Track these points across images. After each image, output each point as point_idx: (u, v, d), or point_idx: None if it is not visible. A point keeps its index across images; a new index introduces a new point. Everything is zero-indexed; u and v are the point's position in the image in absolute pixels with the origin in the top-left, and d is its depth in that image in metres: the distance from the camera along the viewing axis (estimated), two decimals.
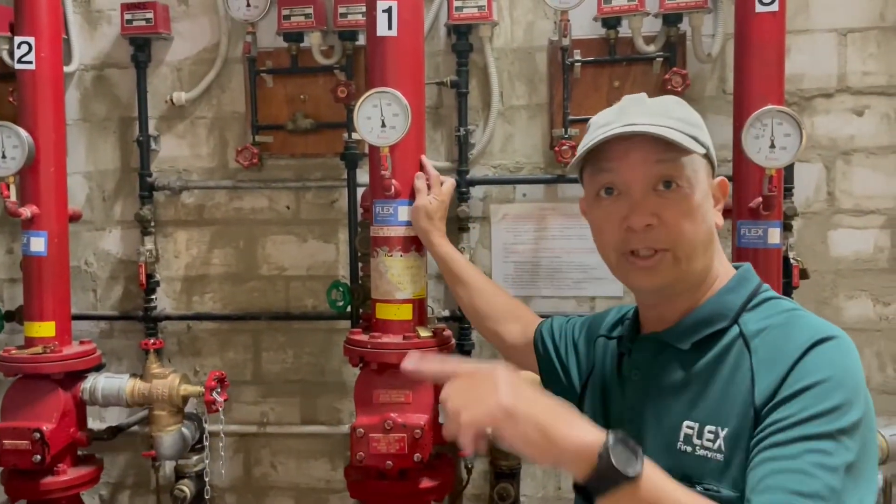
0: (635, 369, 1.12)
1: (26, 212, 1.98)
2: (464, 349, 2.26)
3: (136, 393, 2.03)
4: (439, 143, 2.30)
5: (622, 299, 2.20)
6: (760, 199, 1.79)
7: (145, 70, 2.38)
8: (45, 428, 1.92)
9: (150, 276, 2.38)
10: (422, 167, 1.80)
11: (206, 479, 2.21)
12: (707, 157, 1.07)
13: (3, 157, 1.95)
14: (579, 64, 2.16)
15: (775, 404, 0.91)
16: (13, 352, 2.00)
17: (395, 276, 1.78)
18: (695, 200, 1.03)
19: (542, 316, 1.53)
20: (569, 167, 1.13)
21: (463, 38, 2.21)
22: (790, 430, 0.88)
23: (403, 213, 1.77)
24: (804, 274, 2.05)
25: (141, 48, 2.36)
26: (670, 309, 1.08)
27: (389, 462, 1.71)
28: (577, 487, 0.84)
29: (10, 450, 1.91)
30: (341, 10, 2.19)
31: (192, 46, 2.40)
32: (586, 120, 2.21)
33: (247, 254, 2.43)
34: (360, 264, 2.15)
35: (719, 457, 0.96)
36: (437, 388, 1.81)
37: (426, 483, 1.81)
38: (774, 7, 1.82)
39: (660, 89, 2.13)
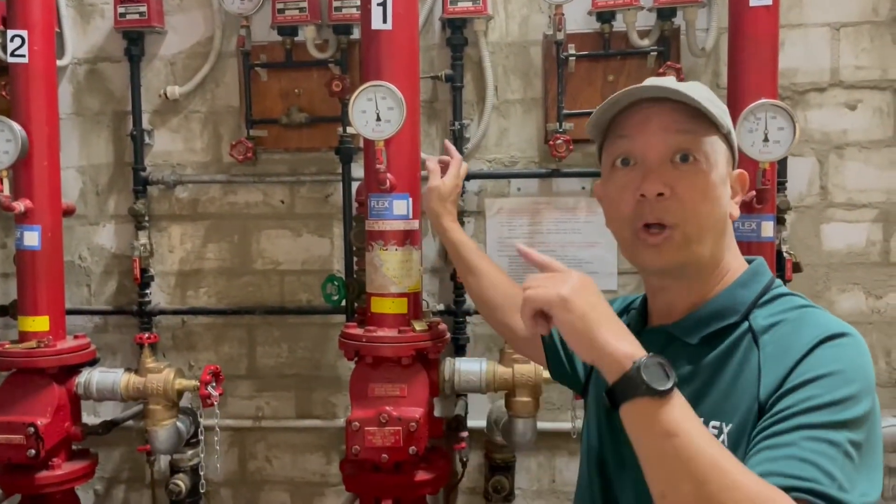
0: None
1: (20, 206, 1.98)
2: (458, 343, 2.27)
3: (131, 387, 2.02)
4: (434, 138, 2.30)
5: (616, 293, 2.21)
6: (754, 192, 1.80)
7: (139, 64, 2.37)
8: (39, 422, 1.92)
9: (144, 271, 2.37)
10: (446, 149, 1.79)
11: (202, 474, 2.21)
12: (728, 142, 1.05)
13: None
14: (574, 58, 2.16)
15: (780, 395, 0.90)
16: (7, 346, 2.00)
17: (390, 270, 1.78)
18: (711, 179, 1.00)
19: None
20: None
21: (458, 32, 2.21)
22: (792, 419, 0.86)
23: (398, 206, 1.77)
24: (797, 267, 2.06)
25: (134, 42, 2.35)
26: (679, 297, 1.06)
27: (385, 455, 1.72)
28: (607, 393, 0.87)
29: (4, 444, 1.91)
30: (336, 3, 2.19)
31: (185, 40, 2.39)
32: (581, 114, 2.24)
33: (241, 248, 2.43)
34: (354, 258, 2.15)
35: None
36: (432, 383, 1.82)
37: (421, 476, 1.82)
38: (768, 1, 1.83)
39: None
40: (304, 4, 2.19)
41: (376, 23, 1.74)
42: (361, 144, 1.83)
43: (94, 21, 2.42)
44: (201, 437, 2.15)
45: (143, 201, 2.37)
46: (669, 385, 0.83)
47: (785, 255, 2.02)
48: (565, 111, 2.16)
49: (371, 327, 1.79)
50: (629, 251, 1.06)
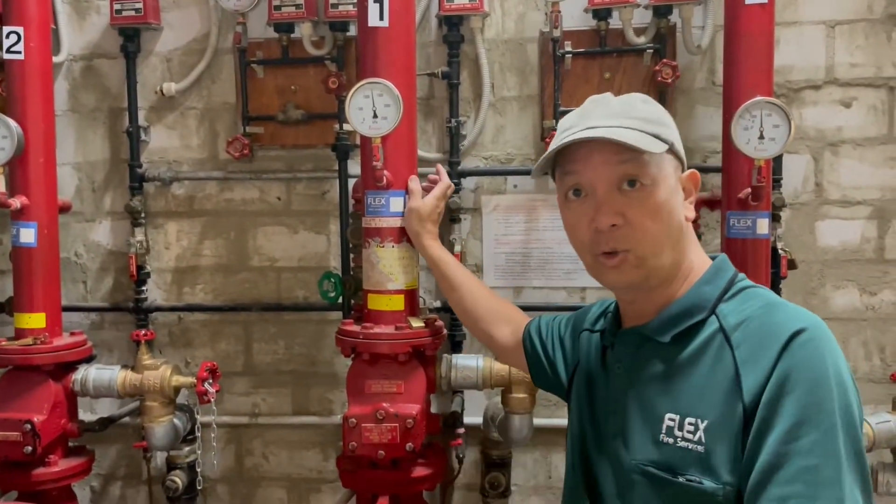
0: (618, 362, 1.14)
1: (16, 203, 1.97)
2: (455, 339, 2.27)
3: (128, 384, 2.03)
4: (431, 135, 2.31)
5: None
6: (749, 189, 1.80)
7: (135, 60, 2.37)
8: (36, 419, 1.92)
9: (140, 268, 2.37)
10: (437, 171, 1.82)
11: (198, 470, 2.21)
12: (673, 151, 1.08)
13: None
14: (570, 55, 2.17)
15: (761, 428, 0.93)
16: (3, 343, 1.99)
17: (387, 266, 1.78)
18: (659, 198, 1.04)
19: (533, 307, 1.55)
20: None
21: (454, 29, 2.21)
22: (784, 463, 0.90)
23: (395, 203, 1.77)
24: (792, 264, 2.07)
25: (130, 38, 2.34)
26: (647, 303, 1.10)
27: (381, 451, 1.72)
28: None
29: (1, 441, 1.91)
30: (332, 0, 2.19)
31: (181, 37, 2.39)
32: None
33: (238, 245, 2.43)
34: (351, 255, 2.15)
35: (700, 448, 0.98)
36: (429, 379, 1.83)
37: (418, 472, 1.83)
38: None
39: (650, 81, 2.14)
40: (301, 1, 2.19)
41: (373, 20, 1.74)
42: (358, 141, 1.83)
43: (90, 17, 2.42)
44: (198, 434, 2.16)
45: (139, 198, 2.37)
46: None
47: (780, 252, 2.03)
48: (562, 108, 2.17)
49: (368, 324, 1.79)
50: (593, 272, 1.11)
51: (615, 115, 1.07)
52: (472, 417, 2.23)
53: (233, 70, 2.35)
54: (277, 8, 2.21)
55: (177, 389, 2.04)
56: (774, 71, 1.89)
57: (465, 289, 1.63)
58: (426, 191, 1.77)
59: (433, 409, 1.92)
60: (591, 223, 1.06)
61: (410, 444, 1.72)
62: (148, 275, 2.42)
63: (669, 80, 2.08)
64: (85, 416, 2.25)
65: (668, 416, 1.02)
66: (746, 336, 0.99)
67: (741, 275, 1.10)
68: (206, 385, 1.99)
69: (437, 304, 2.29)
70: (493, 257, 2.30)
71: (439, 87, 2.29)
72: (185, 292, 2.45)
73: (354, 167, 2.15)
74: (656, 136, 1.05)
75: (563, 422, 2.21)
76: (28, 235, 2.01)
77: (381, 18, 1.74)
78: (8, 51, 1.99)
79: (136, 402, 2.20)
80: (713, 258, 1.12)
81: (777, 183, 2.09)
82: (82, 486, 2.46)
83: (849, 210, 2.20)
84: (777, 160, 2.06)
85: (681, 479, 0.98)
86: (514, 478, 2.31)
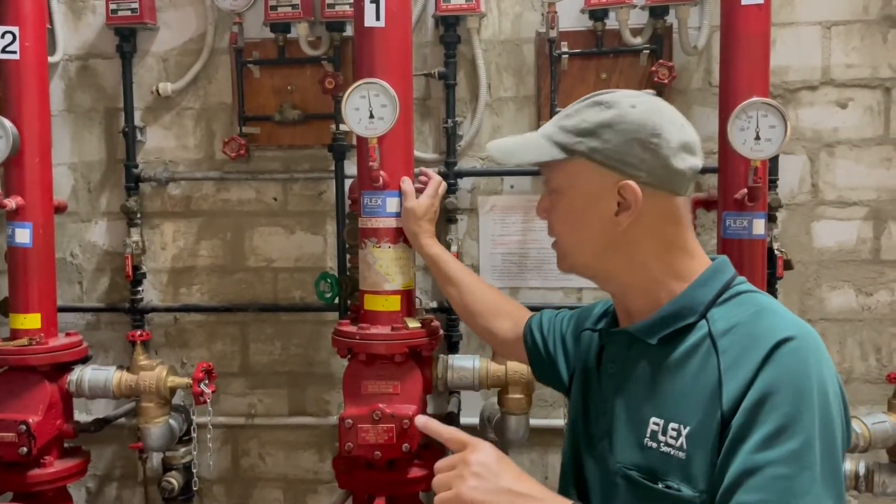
0: (610, 362, 1.14)
1: (11, 203, 1.97)
2: (451, 340, 2.27)
3: (123, 385, 2.02)
4: (427, 135, 2.31)
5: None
6: (745, 190, 1.80)
7: (131, 60, 2.37)
8: (31, 420, 1.91)
9: (136, 268, 2.37)
10: (423, 173, 1.82)
11: (194, 471, 2.21)
12: (598, 161, 1.05)
13: None
14: (567, 56, 2.17)
15: (737, 422, 0.93)
16: None
17: (384, 267, 1.78)
18: (566, 205, 1.10)
19: (530, 307, 1.55)
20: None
21: (451, 29, 2.21)
22: (757, 470, 0.89)
23: (391, 204, 1.77)
24: (788, 265, 2.07)
25: (126, 38, 2.34)
26: (628, 304, 1.12)
27: (378, 452, 1.72)
28: None
29: None
30: (329, 0, 2.19)
31: (178, 37, 2.38)
32: None
33: (234, 245, 2.42)
34: (348, 256, 2.15)
35: (681, 454, 0.97)
36: (426, 380, 1.83)
37: (415, 473, 1.82)
38: (760, 0, 1.84)
39: (647, 81, 2.15)
40: (297, 1, 2.19)
41: (369, 20, 1.74)
42: (354, 142, 1.83)
43: (86, 17, 2.41)
44: (194, 435, 2.15)
45: (135, 198, 2.37)
46: None
47: (776, 252, 2.03)
48: (558, 109, 2.16)
49: (364, 325, 1.79)
50: None
51: (555, 118, 1.14)
52: (469, 418, 2.22)
53: (229, 70, 2.35)
54: (274, 8, 2.20)
55: (173, 390, 2.03)
56: (771, 71, 1.89)
57: (465, 285, 1.64)
58: (419, 191, 1.77)
59: (429, 410, 1.92)
60: None
61: (407, 444, 1.72)
62: (144, 275, 2.42)
63: (666, 81, 2.09)
64: (80, 416, 2.25)
65: (652, 419, 1.02)
66: (733, 342, 0.98)
67: (740, 278, 1.08)
68: (203, 386, 1.98)
69: (434, 304, 2.29)
70: (489, 258, 2.30)
71: (436, 88, 2.29)
72: (182, 293, 2.44)
73: (351, 167, 2.15)
74: (563, 146, 1.08)
75: (559, 423, 2.22)
76: (23, 236, 2.00)
77: (378, 19, 1.74)
78: (3, 51, 1.98)
79: (131, 403, 2.19)
80: (713, 259, 1.10)
81: (773, 183, 2.10)
82: (78, 487, 2.45)
83: (845, 211, 2.20)
84: (773, 161, 2.06)
85: (660, 486, 0.98)
86: None
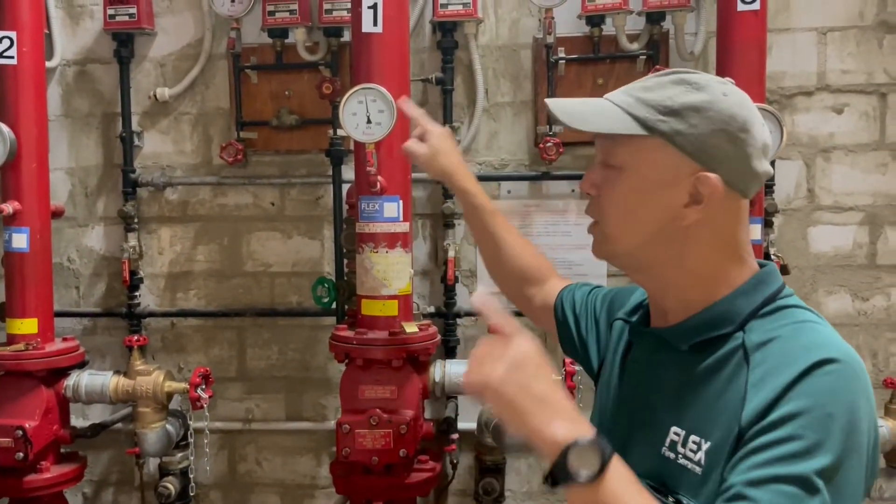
0: (634, 362, 1.08)
1: (8, 208, 1.97)
2: (449, 345, 2.27)
3: (120, 390, 2.02)
4: None
5: None
6: None
7: (128, 65, 2.37)
8: (27, 425, 1.91)
9: (133, 273, 2.37)
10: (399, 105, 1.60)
11: (191, 476, 2.20)
12: (676, 143, 0.96)
13: None
14: (564, 61, 2.18)
15: (755, 433, 0.86)
16: None
17: (381, 272, 1.78)
18: (626, 185, 0.98)
19: None
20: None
21: (448, 35, 2.21)
22: (762, 469, 0.84)
23: (389, 209, 1.77)
24: (785, 270, 2.08)
25: (124, 43, 2.34)
26: (664, 302, 1.03)
27: (375, 457, 1.72)
28: (548, 475, 0.85)
29: None
30: (326, 6, 2.19)
31: (175, 42, 2.39)
32: None
33: (231, 250, 2.42)
34: (345, 260, 2.15)
35: (698, 470, 0.92)
36: (423, 385, 1.83)
37: (412, 478, 1.82)
38: (756, 6, 1.85)
39: None
40: (295, 7, 2.19)
41: (367, 26, 1.75)
42: (352, 147, 1.83)
43: (84, 22, 2.41)
44: (191, 440, 2.15)
45: (132, 203, 2.36)
46: (595, 471, 0.81)
47: (773, 257, 2.04)
48: None
49: (361, 329, 1.79)
50: None
51: (629, 87, 1.00)
52: (466, 423, 2.22)
53: (227, 75, 2.35)
54: (271, 13, 2.21)
55: (169, 395, 2.03)
56: (767, 77, 1.91)
57: (507, 243, 1.43)
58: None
59: (427, 415, 1.92)
60: None
61: (404, 449, 1.72)
62: (141, 280, 2.42)
63: None
64: (77, 421, 2.24)
65: (673, 429, 0.96)
66: (766, 356, 0.91)
67: (788, 290, 0.99)
68: (199, 391, 1.98)
69: (431, 309, 2.29)
70: None
71: (433, 93, 2.29)
72: (179, 297, 2.44)
73: (349, 172, 2.15)
74: (642, 121, 0.95)
75: None
76: (20, 241, 2.00)
77: (375, 24, 1.74)
78: (1, 55, 1.98)
79: (128, 408, 2.19)
80: (762, 266, 1.01)
81: (769, 189, 2.11)
82: (74, 492, 2.45)
83: (841, 216, 2.21)
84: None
85: (669, 500, 0.92)
86: (508, 483, 2.31)
